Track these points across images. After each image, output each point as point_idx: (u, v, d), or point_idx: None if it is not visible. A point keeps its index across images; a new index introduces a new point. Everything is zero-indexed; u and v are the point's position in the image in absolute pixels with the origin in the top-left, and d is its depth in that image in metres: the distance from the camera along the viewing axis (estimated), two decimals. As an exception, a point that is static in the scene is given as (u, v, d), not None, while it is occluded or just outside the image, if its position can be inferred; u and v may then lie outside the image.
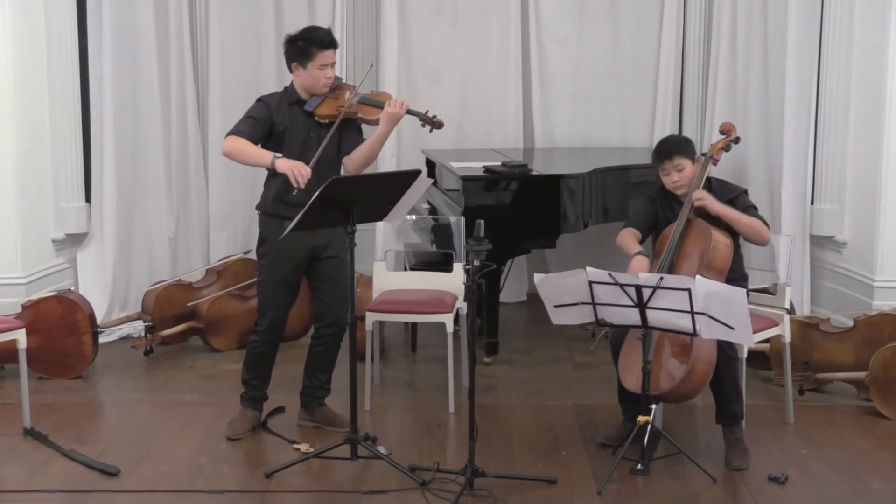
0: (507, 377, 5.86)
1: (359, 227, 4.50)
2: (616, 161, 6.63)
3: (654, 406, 4.45)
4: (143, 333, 6.29)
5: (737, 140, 5.00)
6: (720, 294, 4.18)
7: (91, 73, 6.61)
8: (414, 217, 6.25)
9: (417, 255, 6.28)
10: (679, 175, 4.76)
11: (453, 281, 5.49)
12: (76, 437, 4.93)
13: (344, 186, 4.40)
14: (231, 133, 4.71)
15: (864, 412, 5.25)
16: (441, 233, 5.99)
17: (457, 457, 4.63)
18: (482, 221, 4.23)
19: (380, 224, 6.71)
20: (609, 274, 4.30)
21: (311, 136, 4.78)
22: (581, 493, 4.34)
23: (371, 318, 5.33)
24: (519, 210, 6.00)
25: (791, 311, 5.24)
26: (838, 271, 6.54)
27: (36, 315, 5.70)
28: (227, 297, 6.41)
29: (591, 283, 4.33)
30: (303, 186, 4.51)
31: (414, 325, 6.30)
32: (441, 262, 5.76)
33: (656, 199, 4.92)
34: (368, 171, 5.00)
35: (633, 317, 4.36)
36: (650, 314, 4.31)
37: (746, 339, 4.31)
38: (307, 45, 4.74)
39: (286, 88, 4.87)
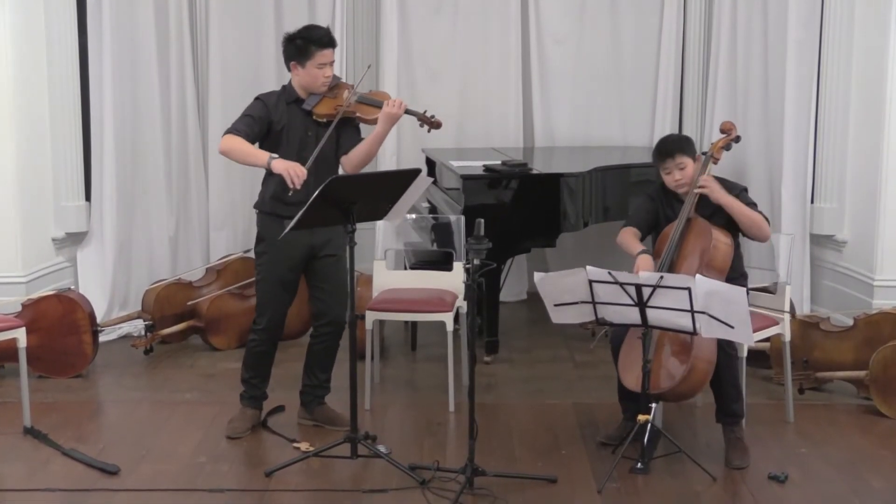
0: (507, 376, 5.86)
1: (359, 225, 4.50)
2: (616, 160, 6.64)
3: (654, 405, 4.45)
4: (143, 332, 6.29)
5: (737, 139, 5.00)
6: (720, 293, 4.18)
7: (91, 72, 6.62)
8: (414, 216, 6.25)
9: (417, 254, 6.28)
10: (681, 174, 4.76)
11: (453, 280, 5.49)
12: (76, 435, 4.93)
13: (344, 185, 4.40)
14: (228, 131, 4.71)
15: (863, 411, 5.25)
16: (441, 232, 5.99)
17: (457, 456, 4.63)
18: (482, 220, 4.22)
19: (380, 223, 6.71)
20: (609, 273, 4.30)
21: (309, 134, 4.78)
22: (581, 491, 4.34)
23: (371, 316, 5.33)
24: (519, 209, 6.00)
25: (791, 310, 5.24)
26: (838, 270, 6.54)
27: (36, 314, 5.70)
28: (227, 296, 6.41)
29: (591, 281, 4.33)
30: (298, 187, 4.50)
31: (414, 323, 6.30)
32: (441, 261, 5.75)
33: (656, 198, 4.91)
34: (368, 169, 5.00)
35: (633, 316, 4.35)
36: (650, 313, 4.31)
37: (746, 338, 4.31)
38: (306, 43, 4.74)
39: (284, 87, 4.87)
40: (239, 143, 4.67)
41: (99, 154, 6.61)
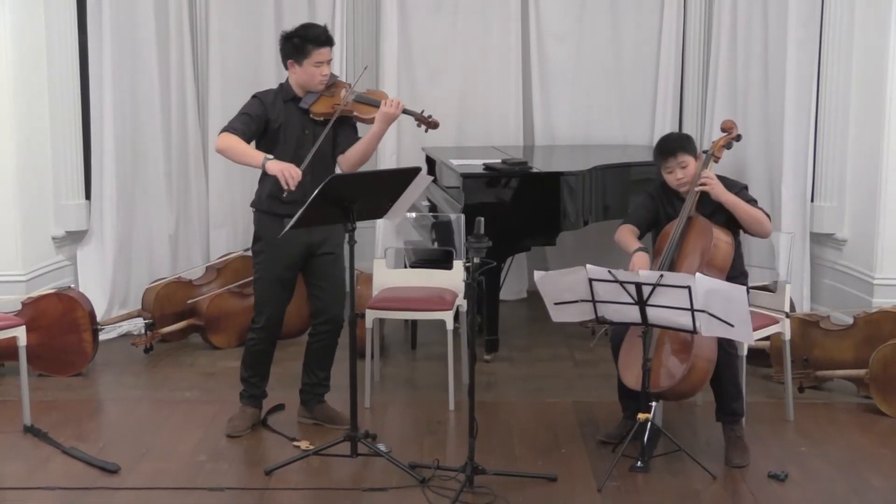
0: (507, 374, 5.86)
1: (359, 224, 4.49)
2: (616, 158, 6.64)
3: (654, 403, 4.45)
4: (143, 331, 6.29)
5: (738, 137, 5.00)
6: (720, 291, 4.18)
7: (91, 72, 6.62)
8: (414, 214, 6.25)
9: (417, 253, 6.28)
10: (683, 172, 4.75)
11: (453, 278, 5.49)
12: (76, 434, 4.93)
13: (344, 183, 4.40)
14: (225, 130, 4.69)
15: (863, 409, 5.25)
16: (441, 230, 5.99)
17: (457, 454, 4.62)
18: (482, 219, 4.22)
19: (380, 221, 6.72)
20: (609, 271, 4.30)
21: (306, 133, 4.77)
22: (581, 490, 4.34)
23: (371, 315, 5.33)
24: (519, 207, 6.00)
25: (791, 309, 5.24)
26: (838, 269, 6.55)
27: (36, 312, 5.70)
28: (226, 295, 6.41)
29: (591, 280, 4.33)
30: (293, 189, 4.48)
31: (414, 322, 6.30)
32: (441, 260, 5.76)
33: (657, 197, 4.91)
34: (367, 168, 4.99)
35: (633, 314, 4.35)
36: (650, 311, 4.31)
37: (746, 337, 4.31)
38: (303, 42, 4.73)
39: (281, 85, 4.86)
40: (235, 142, 4.66)
41: (99, 153, 6.61)
